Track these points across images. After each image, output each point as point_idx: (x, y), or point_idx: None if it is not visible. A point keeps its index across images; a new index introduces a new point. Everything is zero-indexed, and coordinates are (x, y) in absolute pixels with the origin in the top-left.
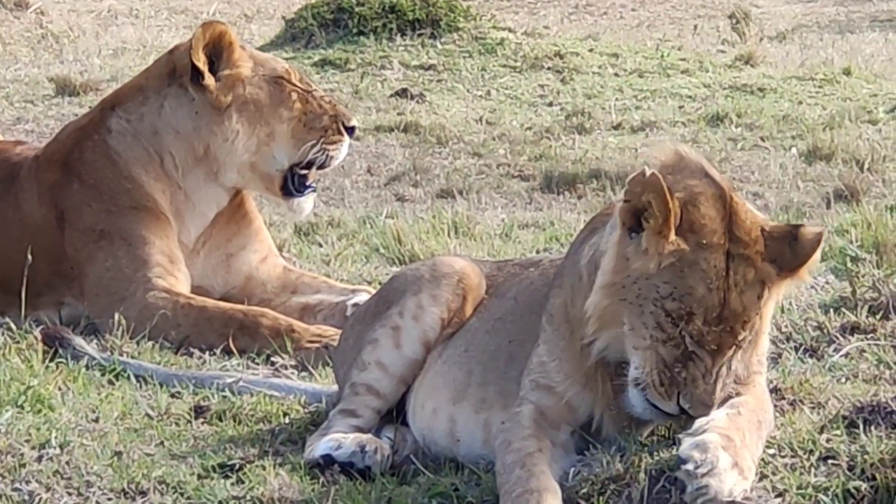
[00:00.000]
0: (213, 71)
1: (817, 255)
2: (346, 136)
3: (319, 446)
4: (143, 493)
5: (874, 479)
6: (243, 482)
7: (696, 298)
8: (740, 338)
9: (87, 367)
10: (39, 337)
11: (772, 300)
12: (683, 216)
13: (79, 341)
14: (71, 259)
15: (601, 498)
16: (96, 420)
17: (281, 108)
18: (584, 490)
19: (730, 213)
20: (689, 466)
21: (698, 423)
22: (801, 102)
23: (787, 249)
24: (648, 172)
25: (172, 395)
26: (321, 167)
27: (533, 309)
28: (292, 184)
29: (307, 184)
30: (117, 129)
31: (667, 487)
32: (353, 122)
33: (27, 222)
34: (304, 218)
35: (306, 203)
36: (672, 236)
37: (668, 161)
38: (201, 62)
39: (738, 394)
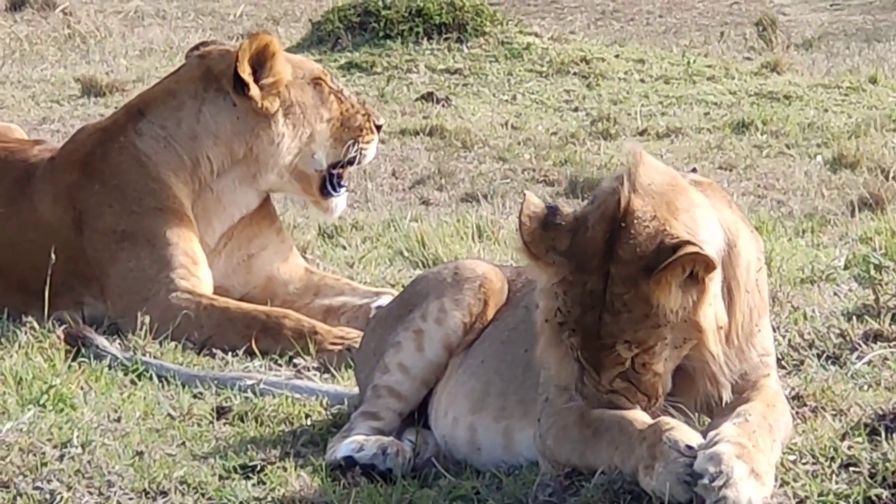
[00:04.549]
0: (255, 79)
1: (670, 265)
2: (377, 134)
3: (341, 448)
4: (165, 494)
5: (895, 486)
6: (264, 483)
7: (573, 317)
8: (625, 356)
9: (109, 366)
10: (62, 336)
11: (667, 312)
12: (573, 239)
13: (101, 341)
14: (91, 259)
15: None
16: (118, 420)
17: (321, 109)
18: (599, 497)
19: (618, 232)
20: (705, 480)
21: (709, 436)
22: (826, 110)
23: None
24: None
25: (194, 396)
26: (351, 164)
27: None
28: (330, 184)
29: (342, 182)
30: (149, 133)
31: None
32: (381, 121)
33: (43, 223)
34: (337, 216)
35: (342, 201)
36: (547, 258)
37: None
38: (246, 73)
39: (746, 400)
